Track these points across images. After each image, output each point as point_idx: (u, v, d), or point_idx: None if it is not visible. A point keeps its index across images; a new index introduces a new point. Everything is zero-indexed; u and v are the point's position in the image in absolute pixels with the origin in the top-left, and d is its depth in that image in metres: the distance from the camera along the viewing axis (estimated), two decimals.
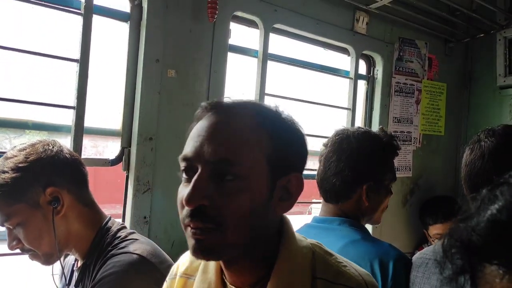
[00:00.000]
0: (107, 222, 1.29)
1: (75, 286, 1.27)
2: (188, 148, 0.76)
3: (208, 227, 0.72)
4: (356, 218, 1.42)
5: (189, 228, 0.74)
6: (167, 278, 0.98)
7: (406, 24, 2.55)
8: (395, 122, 2.61)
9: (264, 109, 0.81)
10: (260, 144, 0.75)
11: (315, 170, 1.53)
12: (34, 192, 1.17)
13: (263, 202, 0.75)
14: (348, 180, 1.38)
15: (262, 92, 2.06)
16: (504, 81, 2.71)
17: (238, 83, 2.23)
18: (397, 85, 2.60)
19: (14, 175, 1.15)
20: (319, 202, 1.53)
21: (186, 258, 0.96)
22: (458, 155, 2.83)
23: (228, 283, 0.84)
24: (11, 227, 1.19)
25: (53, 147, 1.23)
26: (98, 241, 1.25)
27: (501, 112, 2.79)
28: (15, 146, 1.23)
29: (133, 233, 1.30)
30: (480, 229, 0.47)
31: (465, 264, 0.48)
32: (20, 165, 1.16)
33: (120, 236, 1.26)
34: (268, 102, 2.08)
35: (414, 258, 1.32)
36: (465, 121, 2.97)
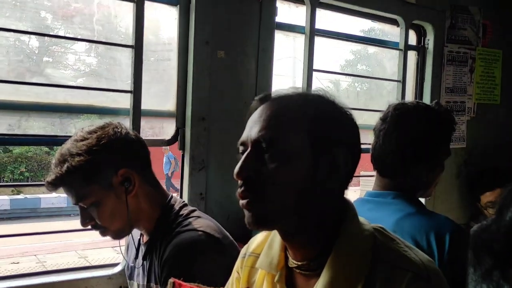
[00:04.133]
0: (169, 200, 1.36)
1: (142, 259, 1.36)
2: (243, 134, 0.86)
3: (253, 196, 0.81)
4: (410, 193, 1.42)
5: (241, 200, 0.83)
6: (239, 258, 1.04)
7: None
8: (448, 92, 2.54)
9: (307, 94, 0.90)
10: (300, 123, 0.83)
11: (365, 144, 1.53)
12: (107, 173, 1.25)
13: (307, 176, 0.81)
14: (408, 156, 1.38)
15: (310, 68, 2.06)
16: None
17: (287, 60, 2.24)
18: (449, 54, 2.52)
19: (88, 157, 1.21)
20: (369, 176, 1.53)
21: (256, 239, 1.02)
22: None
23: (290, 258, 0.89)
24: (85, 206, 1.26)
25: (121, 129, 1.29)
26: (163, 218, 1.32)
27: None
28: (82, 128, 1.29)
29: (194, 210, 1.36)
30: (499, 237, 0.47)
31: (494, 264, 0.49)
32: (94, 148, 1.23)
33: (183, 214, 1.32)
34: (316, 78, 2.10)
35: (472, 230, 1.31)
36: None
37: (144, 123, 1.75)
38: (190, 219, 1.30)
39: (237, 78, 1.89)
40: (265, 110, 0.85)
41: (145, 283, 1.35)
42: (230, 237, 1.34)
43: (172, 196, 1.39)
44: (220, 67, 1.84)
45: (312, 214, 0.83)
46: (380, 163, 1.44)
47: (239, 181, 0.83)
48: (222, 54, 1.86)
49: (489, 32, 2.67)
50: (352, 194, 1.54)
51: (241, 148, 0.86)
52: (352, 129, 0.88)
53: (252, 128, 0.84)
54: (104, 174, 1.24)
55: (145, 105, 1.74)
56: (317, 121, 0.83)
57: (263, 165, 0.81)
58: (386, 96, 2.68)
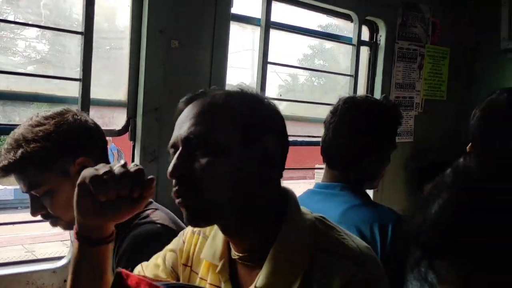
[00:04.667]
0: None
1: None
2: (172, 137, 0.88)
3: (190, 193, 0.82)
4: (357, 184, 1.46)
5: (176, 199, 0.83)
6: (188, 231, 1.03)
7: None
8: (398, 88, 2.62)
9: (229, 90, 0.92)
10: (228, 116, 0.85)
11: (319, 137, 1.56)
12: (64, 161, 1.19)
13: (240, 166, 0.83)
14: (357, 149, 1.42)
15: (265, 61, 2.07)
16: (508, 44, 2.70)
17: (242, 52, 2.24)
18: (400, 51, 2.60)
19: (45, 144, 1.16)
20: (321, 168, 1.57)
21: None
22: (460, 120, 2.84)
23: (232, 250, 0.90)
24: (37, 195, 1.20)
25: (81, 117, 1.24)
26: None
27: (505, 75, 2.79)
28: (37, 113, 1.23)
29: (151, 202, 1.34)
30: (426, 228, 0.50)
31: (422, 255, 0.52)
32: (52, 134, 1.17)
33: None
34: (275, 72, 2.10)
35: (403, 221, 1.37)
36: (468, 86, 2.97)
37: (93, 112, 1.70)
38: (148, 211, 1.28)
39: (191, 69, 1.87)
40: (192, 109, 0.87)
41: None
42: (187, 227, 1.34)
43: None
44: (174, 57, 1.82)
45: (249, 206, 0.85)
46: (329, 155, 1.48)
47: (174, 181, 0.84)
48: (176, 44, 1.83)
49: (438, 30, 2.77)
50: (308, 186, 1.57)
51: (172, 151, 0.87)
52: (277, 117, 0.91)
53: (181, 128, 0.85)
54: (61, 162, 1.19)
55: (95, 94, 1.69)
56: (243, 112, 0.86)
57: (196, 162, 0.82)
58: (340, 91, 2.74)
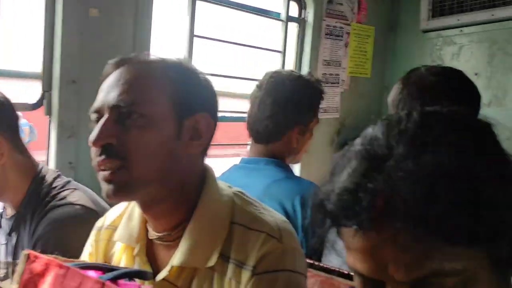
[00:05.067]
0: (41, 170, 1.25)
1: (8, 234, 1.25)
2: (96, 101, 0.81)
3: (117, 164, 0.77)
4: (282, 159, 1.48)
5: (100, 172, 0.78)
6: (93, 230, 0.99)
7: None
8: (325, 64, 2.67)
9: (166, 59, 0.86)
10: (163, 87, 0.81)
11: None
12: None
13: (170, 140, 0.80)
14: (281, 122, 1.43)
15: (191, 34, 2.02)
16: (427, 25, 2.83)
17: (168, 24, 2.16)
18: (327, 28, 2.64)
19: None
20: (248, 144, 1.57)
21: (114, 210, 0.98)
22: (383, 96, 2.97)
23: (149, 229, 0.88)
24: None
25: None
26: (34, 191, 1.21)
27: (423, 54, 2.94)
28: None
29: (69, 181, 1.27)
30: (332, 197, 0.51)
31: (330, 223, 0.53)
32: None
33: (57, 186, 1.23)
34: (198, 44, 2.06)
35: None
36: (390, 64, 3.09)
37: (4, 84, 1.57)
38: (66, 192, 1.21)
39: (113, 40, 1.77)
40: (124, 74, 0.81)
41: (11, 260, 1.24)
42: (108, 208, 1.29)
43: (43, 166, 1.28)
44: (93, 27, 1.71)
45: (175, 180, 0.82)
46: (254, 129, 1.48)
47: (96, 150, 0.78)
48: (96, 12, 1.72)
49: (363, 9, 2.84)
50: None
51: (94, 116, 0.81)
52: (212, 96, 0.89)
53: (109, 93, 0.79)
54: None
55: (6, 65, 1.56)
56: (179, 85, 0.83)
57: (125, 131, 0.77)
58: (270, 67, 2.73)
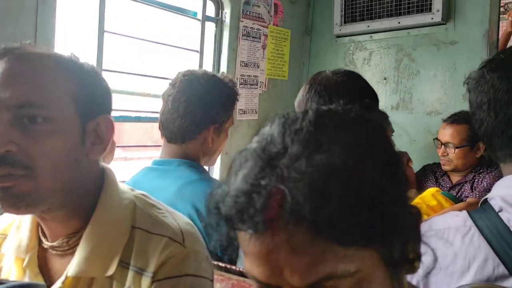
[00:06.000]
0: None
1: None
2: None
3: (18, 173, 0.68)
4: (196, 160, 1.44)
5: None
6: None
7: None
8: (243, 66, 2.67)
9: (60, 54, 0.78)
10: (64, 86, 0.74)
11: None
12: None
13: (76, 146, 0.74)
14: (196, 121, 1.40)
15: (101, 29, 1.91)
16: (340, 30, 2.94)
17: (74, 18, 2.03)
18: (244, 29, 2.64)
19: None
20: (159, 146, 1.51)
21: (3, 218, 0.89)
22: None
23: (42, 237, 0.80)
24: None
25: None
26: None
27: (337, 59, 3.04)
28: None
29: None
30: (227, 200, 0.49)
31: (226, 226, 0.51)
32: None
33: None
34: (108, 40, 1.96)
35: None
36: (306, 67, 3.17)
37: None
38: None
39: (11, 32, 1.62)
40: (16, 67, 0.71)
41: None
42: None
43: None
44: None
45: (76, 186, 0.76)
46: (168, 129, 1.43)
47: None
48: None
49: (280, 12, 2.89)
50: None
51: None
52: (110, 95, 0.84)
53: None
54: None
55: None
56: (80, 83, 0.76)
57: (27, 136, 0.69)
58: (188, 67, 2.67)
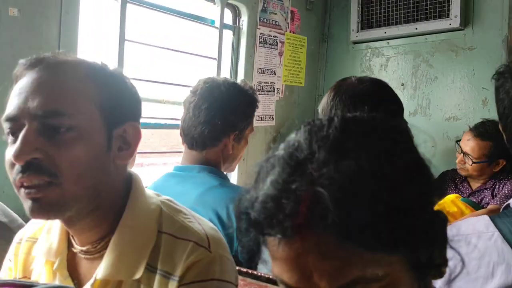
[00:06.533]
0: None
1: None
2: (11, 107, 0.72)
3: (45, 180, 0.70)
4: (216, 166, 1.46)
5: (22, 189, 0.70)
6: (13, 243, 0.92)
7: None
8: (260, 72, 2.69)
9: (90, 62, 0.80)
10: (90, 94, 0.75)
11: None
12: None
13: (101, 152, 0.75)
14: (217, 128, 1.41)
15: (122, 38, 1.95)
16: (357, 36, 2.94)
17: (96, 27, 2.07)
18: (261, 37, 2.66)
19: None
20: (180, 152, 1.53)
21: (34, 222, 0.91)
22: (316, 105, 3.03)
23: (72, 241, 0.82)
24: None
25: None
26: None
27: (354, 65, 3.04)
28: None
29: None
30: (256, 205, 0.49)
31: (254, 231, 0.52)
32: None
33: None
34: (128, 48, 1.99)
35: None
36: (323, 74, 3.18)
37: None
38: None
39: (35, 42, 1.66)
40: (43, 77, 0.73)
41: None
42: (20, 219, 1.19)
43: None
44: (13, 27, 1.60)
45: (104, 193, 0.77)
46: (189, 135, 1.45)
47: (17, 166, 0.69)
48: (15, 12, 1.61)
49: (296, 19, 2.90)
50: None
51: (8, 125, 0.72)
52: (138, 102, 0.85)
53: (27, 100, 0.71)
54: None
55: None
56: (106, 90, 0.77)
57: (52, 145, 0.70)
58: (206, 74, 2.70)
